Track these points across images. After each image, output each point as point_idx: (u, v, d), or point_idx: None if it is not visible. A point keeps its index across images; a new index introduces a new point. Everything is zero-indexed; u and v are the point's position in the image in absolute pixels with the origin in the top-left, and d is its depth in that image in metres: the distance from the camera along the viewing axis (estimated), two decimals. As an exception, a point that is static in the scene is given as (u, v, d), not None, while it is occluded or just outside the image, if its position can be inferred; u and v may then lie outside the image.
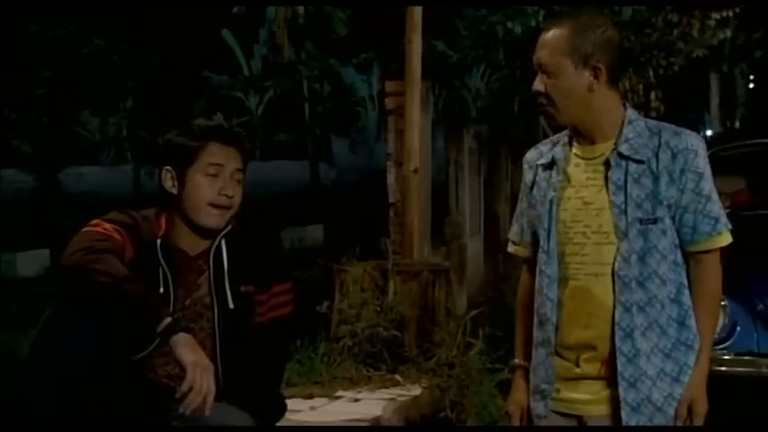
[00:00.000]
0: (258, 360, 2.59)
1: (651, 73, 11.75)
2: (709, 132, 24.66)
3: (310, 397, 5.23)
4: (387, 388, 5.44)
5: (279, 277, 2.65)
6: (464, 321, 5.82)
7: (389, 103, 6.49)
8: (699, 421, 2.42)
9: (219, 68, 36.09)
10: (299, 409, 4.93)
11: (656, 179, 2.37)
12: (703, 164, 2.40)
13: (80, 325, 2.40)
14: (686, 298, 2.41)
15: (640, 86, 11.72)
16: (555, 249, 2.43)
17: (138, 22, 23.41)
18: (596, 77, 2.39)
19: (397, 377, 5.58)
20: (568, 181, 2.44)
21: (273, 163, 34.75)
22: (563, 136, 2.52)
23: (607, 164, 2.40)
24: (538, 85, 2.42)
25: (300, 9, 23.78)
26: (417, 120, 6.22)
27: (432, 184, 6.64)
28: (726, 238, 2.43)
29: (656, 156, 2.38)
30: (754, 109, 24.88)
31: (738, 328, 4.37)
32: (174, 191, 2.59)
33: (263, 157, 37.49)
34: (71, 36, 18.53)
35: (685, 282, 2.42)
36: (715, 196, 2.41)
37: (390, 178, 6.35)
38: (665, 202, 2.37)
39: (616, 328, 2.37)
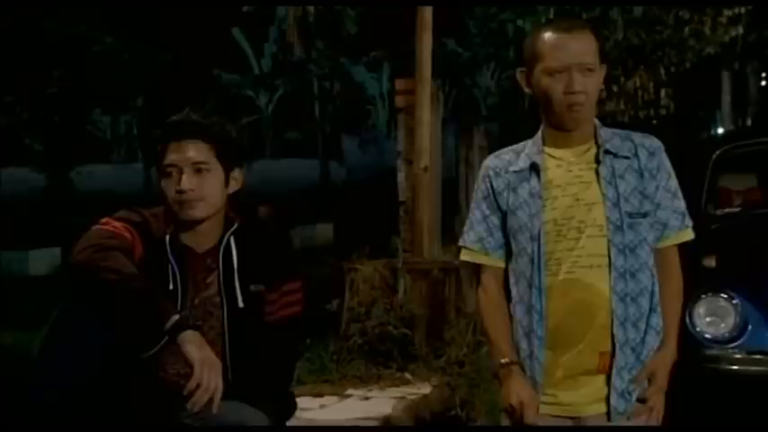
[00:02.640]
0: (268, 359, 2.59)
1: (662, 70, 11.72)
2: (720, 130, 24.57)
3: (320, 395, 5.23)
4: (397, 386, 5.44)
5: (288, 276, 2.65)
6: (474, 320, 5.81)
7: (400, 101, 6.49)
8: (658, 397, 2.52)
9: (230, 67, 36.17)
10: (310, 408, 4.93)
11: (640, 176, 2.50)
12: (670, 164, 2.56)
13: (89, 323, 2.40)
14: (657, 288, 2.53)
15: (651, 84, 11.68)
16: (544, 249, 2.48)
17: (148, 20, 23.45)
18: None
19: (408, 376, 5.58)
20: (551, 182, 2.52)
21: (284, 161, 34.83)
22: (527, 144, 2.61)
23: (597, 160, 2.50)
24: (583, 85, 2.46)
25: (311, 7, 23.80)
26: (428, 118, 6.22)
27: (442, 183, 6.63)
28: (690, 234, 2.57)
29: (636, 155, 2.52)
30: (766, 106, 24.77)
31: (750, 327, 4.35)
32: None
33: (273, 155, 37.56)
34: (82, 34, 18.57)
35: (656, 273, 2.54)
36: (680, 194, 2.56)
37: (401, 176, 6.35)
38: (650, 198, 2.50)
39: (612, 316, 2.46)
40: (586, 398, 2.49)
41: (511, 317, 2.57)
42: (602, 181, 2.48)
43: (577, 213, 2.48)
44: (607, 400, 2.47)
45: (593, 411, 2.49)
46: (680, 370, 4.44)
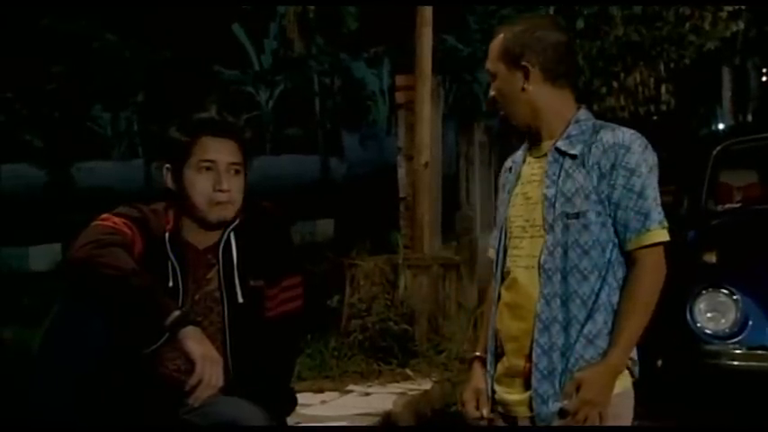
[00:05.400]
0: (268, 354, 2.59)
1: (662, 66, 11.69)
2: (721, 126, 24.55)
3: (321, 391, 5.24)
4: (397, 382, 5.45)
5: (288, 271, 2.65)
6: (475, 315, 5.82)
7: (400, 97, 6.49)
8: (589, 410, 2.34)
9: (230, 63, 36.11)
10: (310, 404, 4.94)
11: (587, 174, 2.39)
12: (636, 160, 2.36)
13: (89, 319, 2.40)
14: (605, 294, 2.38)
15: (651, 80, 11.66)
16: (502, 247, 2.51)
17: (148, 16, 23.43)
18: (527, 77, 2.44)
19: (408, 371, 5.58)
20: (519, 179, 2.53)
21: (284, 157, 34.81)
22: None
23: (546, 159, 2.47)
24: (491, 91, 2.53)
25: (311, 4, 23.76)
26: (428, 114, 6.22)
27: (442, 179, 6.63)
28: (658, 236, 2.37)
29: (589, 150, 2.40)
30: (766, 102, 24.75)
31: (750, 323, 4.35)
32: (174, 188, 2.58)
33: (273, 151, 37.53)
34: (82, 31, 18.57)
35: (610, 279, 2.39)
36: (649, 192, 2.36)
37: (401, 172, 6.35)
38: (593, 197, 2.37)
39: (536, 320, 2.40)
40: (518, 399, 2.46)
41: None
42: (545, 179, 2.43)
43: (524, 212, 2.47)
44: (530, 404, 2.42)
45: (523, 414, 2.45)
46: (680, 365, 4.46)
